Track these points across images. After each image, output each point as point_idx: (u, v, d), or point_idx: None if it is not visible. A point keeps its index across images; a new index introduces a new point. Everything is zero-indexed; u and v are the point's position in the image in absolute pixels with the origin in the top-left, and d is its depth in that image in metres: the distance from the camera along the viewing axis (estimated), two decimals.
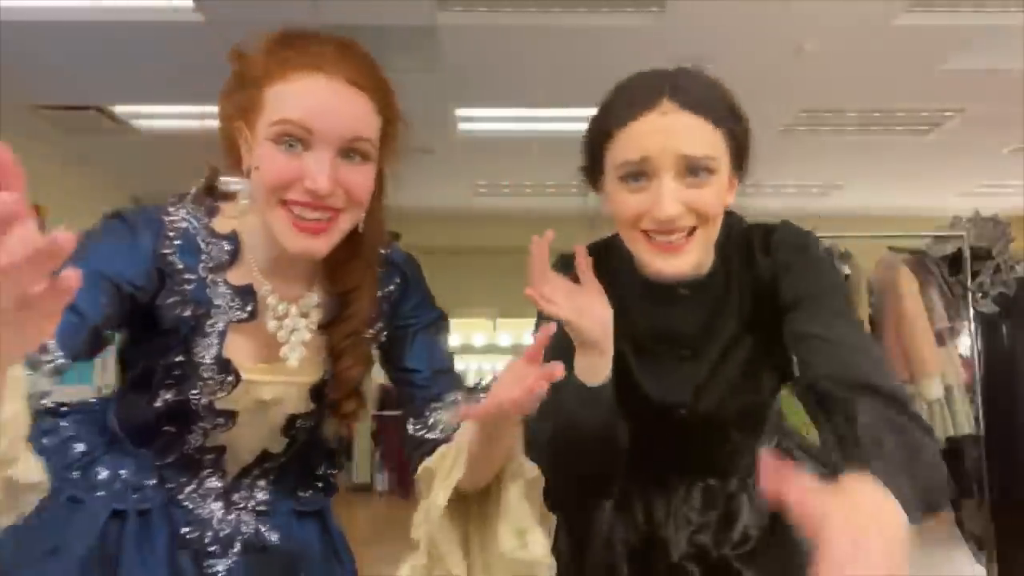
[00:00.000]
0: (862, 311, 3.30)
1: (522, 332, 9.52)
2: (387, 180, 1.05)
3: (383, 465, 7.81)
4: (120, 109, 5.31)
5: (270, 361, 1.01)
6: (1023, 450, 3.39)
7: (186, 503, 1.03)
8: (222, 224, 1.01)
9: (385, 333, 1.09)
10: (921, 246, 3.69)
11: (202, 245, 0.98)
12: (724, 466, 1.18)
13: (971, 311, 3.59)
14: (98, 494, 0.98)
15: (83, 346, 0.85)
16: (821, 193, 7.50)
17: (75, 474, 0.98)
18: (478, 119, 5.53)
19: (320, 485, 1.15)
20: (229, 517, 1.05)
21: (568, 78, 4.79)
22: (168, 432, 1.01)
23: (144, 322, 0.96)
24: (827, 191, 7.45)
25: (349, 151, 0.94)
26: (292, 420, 1.05)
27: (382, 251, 1.08)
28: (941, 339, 3.39)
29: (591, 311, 0.99)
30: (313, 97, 0.93)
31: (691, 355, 1.12)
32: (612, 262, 1.11)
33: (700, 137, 1.00)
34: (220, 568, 1.02)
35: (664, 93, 1.01)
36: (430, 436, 1.03)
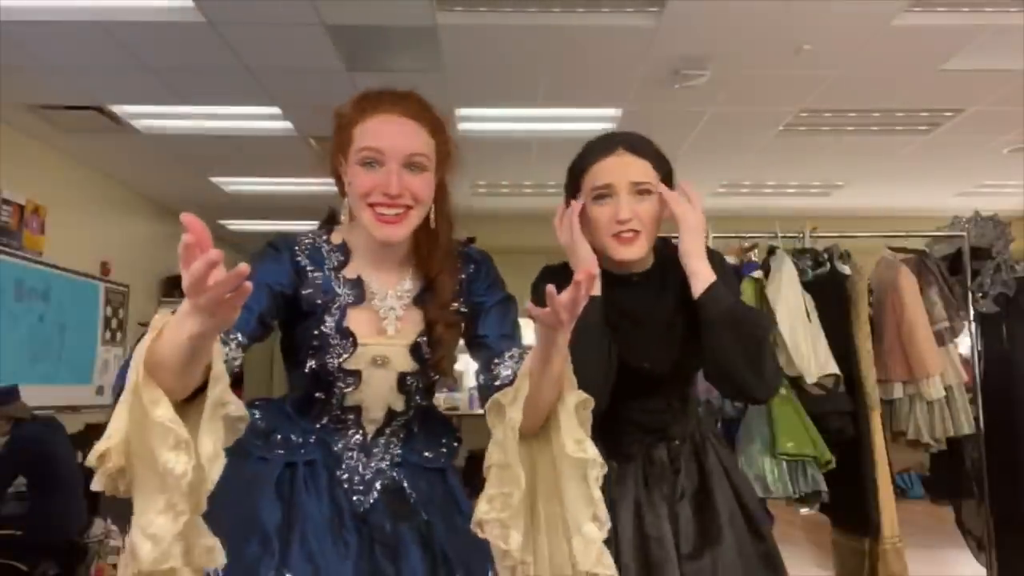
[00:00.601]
0: (862, 311, 3.30)
1: (522, 331, 9.50)
2: (448, 188, 1.44)
3: None
4: (120, 109, 5.30)
5: (378, 331, 1.38)
6: (1023, 450, 3.39)
7: (338, 454, 1.39)
8: (337, 237, 1.44)
9: (464, 309, 1.43)
10: (921, 246, 3.69)
11: (324, 253, 1.40)
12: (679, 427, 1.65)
13: (971, 311, 3.59)
14: (277, 452, 1.37)
15: (254, 330, 1.27)
16: (821, 193, 7.50)
17: (259, 441, 1.37)
18: (478, 119, 5.53)
19: (442, 450, 1.47)
20: (371, 465, 1.41)
21: (568, 78, 4.79)
22: (319, 399, 1.39)
23: (292, 310, 1.36)
24: (827, 191, 7.45)
25: (410, 164, 1.33)
26: (403, 378, 1.39)
27: (461, 247, 1.46)
28: (941, 339, 3.39)
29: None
30: (381, 129, 1.34)
31: (642, 325, 1.59)
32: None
33: (642, 170, 1.55)
34: (365, 502, 1.37)
35: (620, 144, 1.57)
36: (496, 383, 1.34)
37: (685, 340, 1.57)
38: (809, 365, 3.08)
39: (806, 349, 3.11)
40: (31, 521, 3.73)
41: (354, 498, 1.37)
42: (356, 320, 1.37)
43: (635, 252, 1.53)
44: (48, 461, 3.83)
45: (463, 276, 1.45)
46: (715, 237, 3.48)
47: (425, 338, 1.39)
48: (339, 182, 1.42)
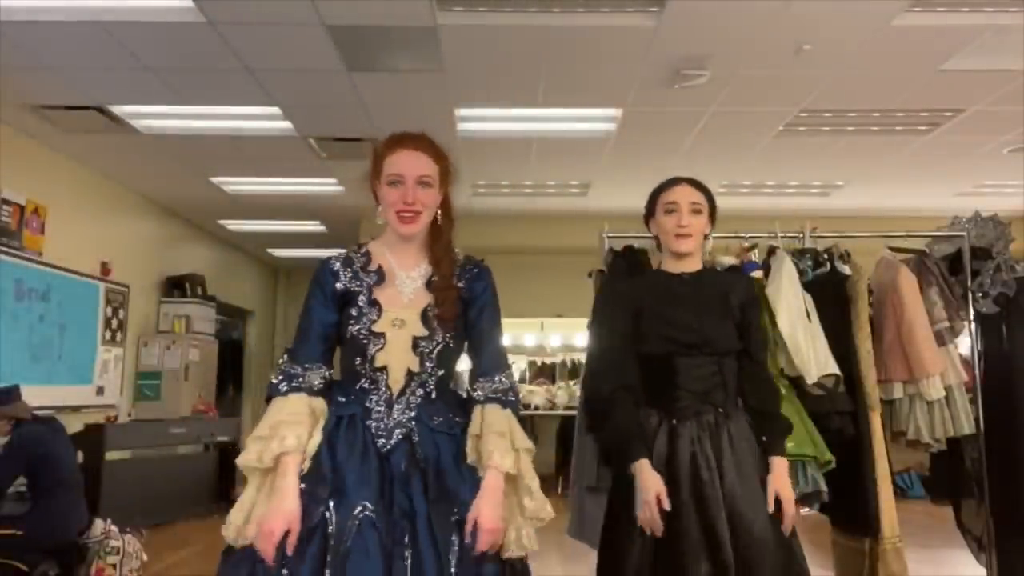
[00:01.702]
0: (862, 311, 3.29)
1: (522, 331, 9.52)
2: (452, 198, 2.01)
3: None
4: (120, 109, 5.31)
5: (397, 301, 1.91)
6: (1023, 450, 3.39)
7: (370, 408, 1.86)
8: (363, 248, 2.00)
9: (464, 292, 1.93)
10: (921, 246, 3.69)
11: (354, 259, 1.96)
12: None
13: (971, 311, 3.59)
14: (330, 409, 1.87)
15: (327, 356, 1.92)
16: (821, 193, 7.50)
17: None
18: (478, 119, 5.53)
19: (454, 419, 1.90)
20: (393, 417, 1.86)
21: (568, 78, 4.79)
22: (357, 365, 1.89)
23: (342, 307, 1.92)
24: (827, 191, 7.45)
25: (421, 183, 1.90)
26: (416, 341, 1.88)
27: (473, 259, 2.00)
28: (941, 339, 3.39)
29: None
30: (402, 159, 1.92)
31: (691, 309, 2.24)
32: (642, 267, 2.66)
33: (697, 197, 2.29)
34: (387, 444, 1.83)
35: (684, 180, 2.33)
36: (476, 395, 1.90)
37: (721, 320, 2.22)
38: (809, 365, 3.08)
39: (806, 349, 3.10)
40: (32, 521, 3.73)
41: (379, 441, 1.83)
42: (382, 295, 1.90)
43: (690, 244, 2.26)
44: (49, 461, 3.83)
45: (467, 274, 1.96)
46: (715, 237, 3.46)
47: (432, 306, 1.89)
48: (375, 196, 1.97)
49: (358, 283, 1.91)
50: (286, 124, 5.57)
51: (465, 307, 1.94)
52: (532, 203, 7.54)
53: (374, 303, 1.88)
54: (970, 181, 7.05)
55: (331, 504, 1.73)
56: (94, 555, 4.01)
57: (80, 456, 4.20)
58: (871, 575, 3.16)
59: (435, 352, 1.89)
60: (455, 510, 1.76)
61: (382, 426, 1.84)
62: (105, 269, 6.83)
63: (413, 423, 1.85)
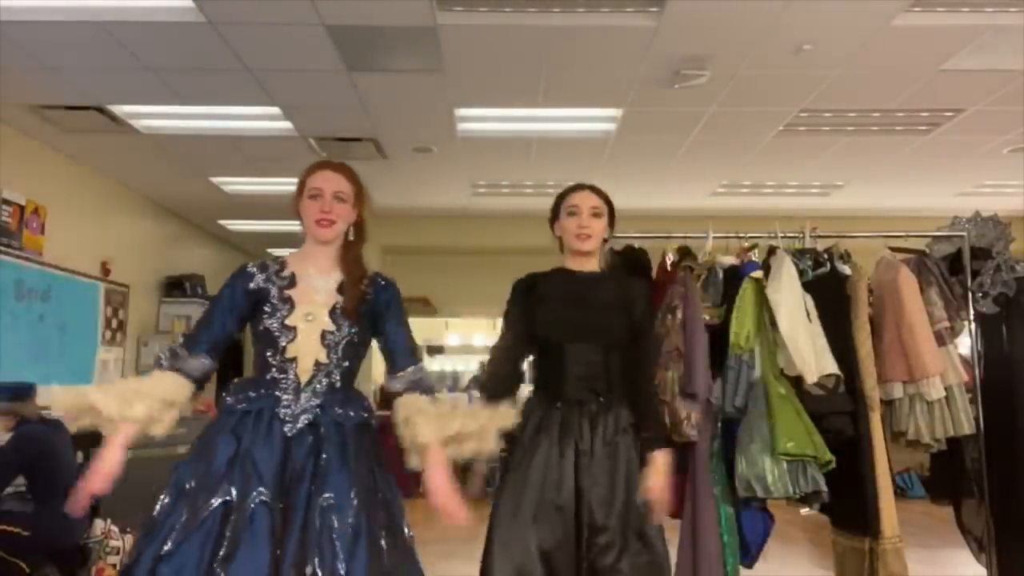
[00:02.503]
0: (862, 311, 3.29)
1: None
2: (366, 219, 2.28)
3: None
4: (120, 109, 5.31)
5: (310, 300, 2.14)
6: (1023, 450, 3.38)
7: (278, 397, 2.06)
8: (282, 259, 2.23)
9: (371, 301, 2.18)
10: (921, 246, 3.69)
11: (269, 264, 2.20)
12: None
13: (971, 311, 3.59)
14: (239, 406, 2.06)
15: (220, 341, 2.18)
16: (821, 193, 7.50)
17: (231, 399, 2.10)
18: (478, 119, 5.53)
19: (351, 415, 2.10)
20: (300, 404, 2.05)
21: (568, 78, 4.79)
22: (265, 356, 2.11)
23: (253, 306, 2.15)
24: (827, 191, 7.45)
25: (337, 198, 2.19)
26: (324, 334, 2.11)
27: (380, 276, 2.25)
28: (941, 339, 3.38)
29: None
30: (322, 177, 2.21)
31: (586, 305, 2.45)
32: (540, 274, 2.55)
33: (597, 202, 2.51)
34: (293, 430, 2.02)
35: (586, 187, 2.55)
36: (395, 387, 2.16)
37: (610, 313, 2.44)
38: (809, 365, 3.08)
39: (806, 349, 3.10)
40: (37, 523, 3.72)
41: (285, 427, 2.02)
42: (295, 293, 2.14)
43: (590, 244, 2.48)
44: (48, 460, 3.82)
45: (376, 286, 2.20)
46: (715, 237, 3.48)
47: (340, 304, 2.13)
48: (297, 214, 2.22)
49: (271, 284, 2.14)
50: (286, 124, 5.57)
51: (374, 318, 2.18)
52: (532, 203, 7.55)
53: (287, 299, 2.12)
54: (970, 181, 7.05)
55: (232, 489, 1.90)
56: (96, 556, 4.01)
57: (80, 456, 4.18)
58: (871, 575, 3.16)
59: (341, 345, 2.11)
60: (330, 495, 1.93)
61: (289, 412, 2.03)
62: (105, 269, 6.82)
63: (318, 410, 2.05)
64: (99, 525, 4.09)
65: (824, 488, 3.00)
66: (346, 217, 2.19)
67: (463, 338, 9.59)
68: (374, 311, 2.18)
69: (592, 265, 2.53)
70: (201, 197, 7.52)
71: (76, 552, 3.95)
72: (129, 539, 4.13)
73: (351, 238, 2.22)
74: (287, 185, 7.72)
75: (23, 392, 3.96)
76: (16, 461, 3.78)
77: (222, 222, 8.69)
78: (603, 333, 2.41)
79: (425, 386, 2.15)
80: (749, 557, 3.17)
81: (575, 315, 2.41)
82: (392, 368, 2.18)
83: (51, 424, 3.94)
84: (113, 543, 4.07)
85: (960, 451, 3.47)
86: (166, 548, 1.84)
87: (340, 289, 2.14)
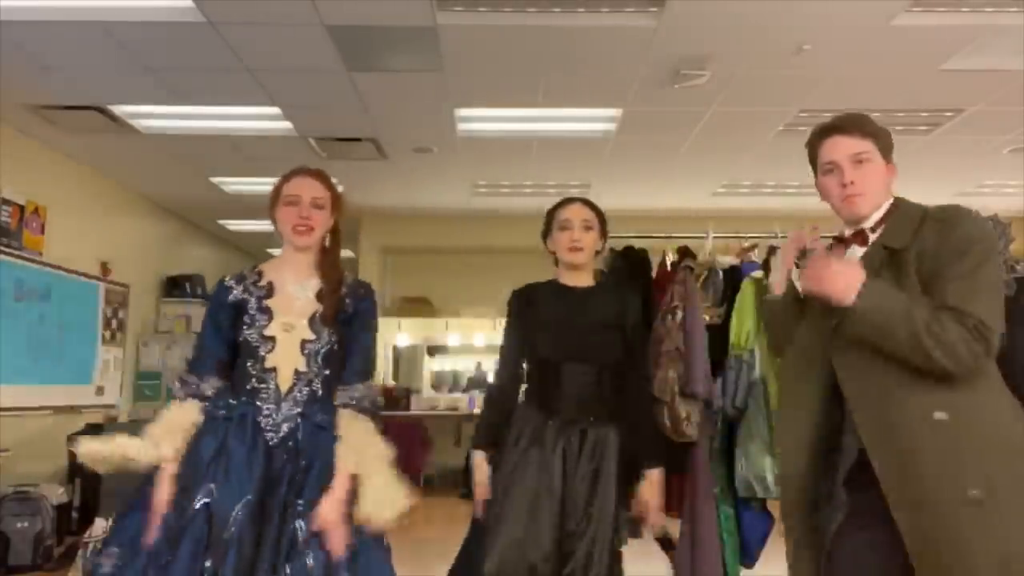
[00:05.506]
0: None
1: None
2: (341, 227, 2.29)
3: None
4: (120, 109, 5.31)
5: (288, 309, 2.16)
6: None
7: (259, 406, 2.07)
8: (258, 268, 2.27)
9: (349, 307, 2.19)
10: None
11: (246, 275, 2.23)
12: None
13: None
14: (221, 412, 2.08)
15: (221, 365, 2.17)
16: None
17: (211, 407, 2.10)
18: (478, 119, 5.53)
19: (332, 422, 2.09)
20: (281, 412, 2.08)
21: (568, 78, 4.79)
22: (246, 366, 2.11)
23: (237, 318, 2.16)
24: None
25: (314, 204, 2.19)
26: (303, 344, 2.12)
27: (360, 284, 2.26)
28: None
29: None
30: (299, 183, 2.22)
31: (581, 321, 2.51)
32: (537, 287, 2.61)
33: (588, 215, 2.58)
34: (275, 438, 2.05)
35: (577, 200, 2.61)
36: (341, 401, 2.13)
37: (605, 332, 2.50)
38: None
39: None
40: None
41: (267, 435, 2.05)
42: (273, 303, 2.16)
43: (582, 257, 2.56)
44: None
45: (355, 293, 2.21)
46: (715, 237, 3.48)
47: (319, 312, 2.14)
48: (274, 220, 2.23)
49: (249, 295, 2.16)
50: (286, 124, 5.57)
51: (349, 322, 2.19)
52: (532, 203, 7.54)
53: (265, 310, 2.14)
54: (970, 181, 7.05)
55: (216, 494, 1.95)
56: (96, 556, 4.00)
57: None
58: None
59: (321, 354, 2.13)
60: (300, 502, 1.98)
61: (271, 422, 2.06)
62: (105, 269, 6.82)
63: (299, 419, 2.07)
64: (99, 524, 4.09)
65: None
66: (324, 223, 2.20)
67: (463, 338, 9.57)
68: (350, 318, 2.19)
69: (586, 278, 2.58)
70: (201, 197, 7.52)
71: None
72: None
73: (327, 244, 2.25)
74: None
75: None
76: None
77: (222, 222, 8.69)
78: (598, 354, 2.48)
79: (364, 407, 2.12)
80: (749, 557, 3.17)
81: (571, 336, 2.47)
82: (341, 380, 2.14)
83: None
84: None
85: None
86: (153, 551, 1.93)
87: (319, 297, 2.16)
